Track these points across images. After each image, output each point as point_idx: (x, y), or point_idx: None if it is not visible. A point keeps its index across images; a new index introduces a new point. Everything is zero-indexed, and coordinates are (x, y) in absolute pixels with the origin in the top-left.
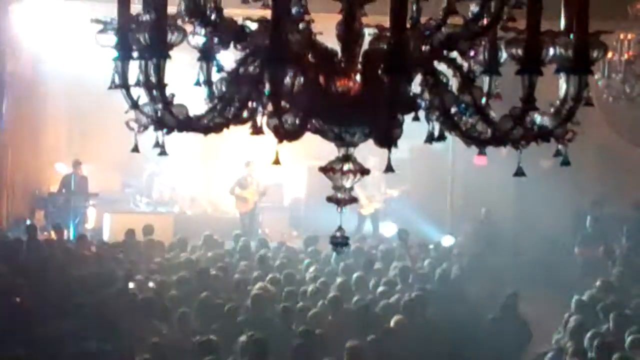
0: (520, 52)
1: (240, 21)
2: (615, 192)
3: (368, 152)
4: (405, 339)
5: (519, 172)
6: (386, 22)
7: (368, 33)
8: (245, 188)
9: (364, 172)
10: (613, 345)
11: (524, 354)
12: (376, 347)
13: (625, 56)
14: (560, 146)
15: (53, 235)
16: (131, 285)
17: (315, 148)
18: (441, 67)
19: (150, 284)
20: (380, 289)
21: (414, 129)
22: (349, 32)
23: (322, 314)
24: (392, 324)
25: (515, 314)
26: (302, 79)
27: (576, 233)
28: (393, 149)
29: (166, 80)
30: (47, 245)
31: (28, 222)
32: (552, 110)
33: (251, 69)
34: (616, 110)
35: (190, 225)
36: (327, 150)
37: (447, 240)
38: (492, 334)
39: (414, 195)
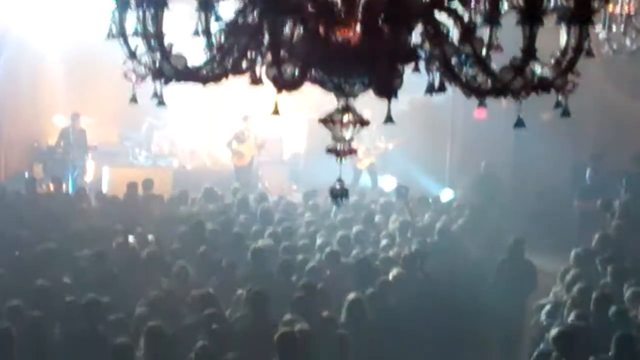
0: (521, 2)
1: None
2: (614, 145)
3: (363, 105)
4: (404, 292)
5: (519, 124)
6: None
7: None
8: (242, 142)
9: (364, 123)
10: (611, 298)
11: (531, 297)
12: (375, 300)
13: (626, 9)
14: (560, 97)
15: (52, 188)
16: (130, 239)
17: (314, 101)
18: (442, 17)
19: (150, 238)
20: (380, 242)
21: (414, 82)
22: None
23: (320, 267)
24: (390, 277)
25: (522, 258)
26: (301, 29)
27: (575, 186)
28: (393, 102)
29: (164, 30)
30: (46, 198)
31: (27, 175)
32: (552, 61)
33: (250, 19)
34: (616, 64)
35: (189, 178)
36: (327, 104)
37: (447, 194)
38: (500, 277)
39: (413, 148)
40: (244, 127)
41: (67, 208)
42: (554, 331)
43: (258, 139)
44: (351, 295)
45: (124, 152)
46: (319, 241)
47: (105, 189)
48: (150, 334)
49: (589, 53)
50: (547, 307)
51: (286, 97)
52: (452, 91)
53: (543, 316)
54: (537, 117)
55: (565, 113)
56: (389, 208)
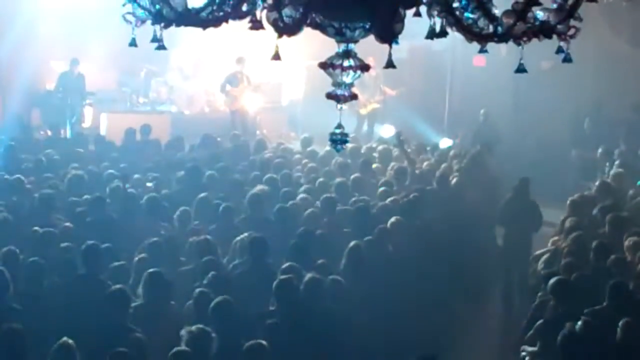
0: None
1: None
2: (613, 94)
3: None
4: (403, 239)
5: (521, 69)
6: None
7: None
8: (235, 85)
9: (365, 67)
10: (610, 248)
11: (535, 236)
12: (373, 247)
13: None
14: (562, 43)
15: (50, 133)
16: (128, 184)
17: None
18: None
19: (148, 184)
20: (378, 189)
21: (414, 28)
22: None
23: (318, 214)
24: (388, 225)
25: (528, 197)
26: None
27: (574, 135)
28: (393, 48)
29: None
30: (43, 143)
31: (23, 120)
32: (554, 6)
33: None
34: (617, 12)
35: (187, 125)
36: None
37: (445, 143)
38: (506, 215)
39: (412, 96)
40: (238, 69)
41: (65, 153)
42: (551, 280)
43: (251, 82)
44: (350, 243)
45: (122, 98)
46: (317, 188)
47: (103, 134)
48: (150, 280)
49: None
50: (546, 256)
51: (285, 43)
52: (452, 38)
53: (541, 265)
54: (537, 66)
55: (567, 59)
56: (387, 156)
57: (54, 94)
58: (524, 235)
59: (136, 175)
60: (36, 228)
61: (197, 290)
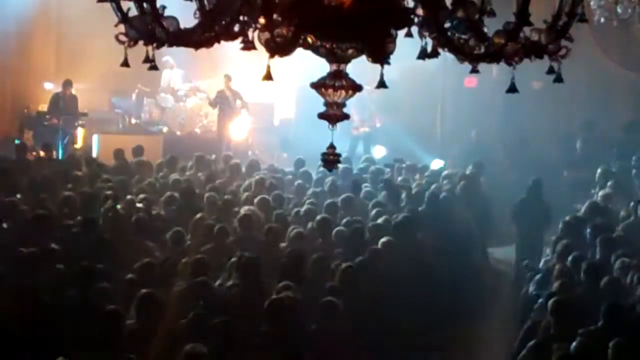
0: None
1: None
2: (604, 114)
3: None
4: (395, 260)
5: (512, 89)
6: None
7: None
8: (225, 104)
9: (356, 88)
10: (601, 269)
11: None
12: (366, 268)
13: None
14: (553, 63)
15: (42, 154)
16: (120, 205)
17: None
18: None
19: (139, 205)
20: (370, 210)
21: (405, 51)
22: None
23: (311, 235)
24: (380, 245)
25: (540, 198)
26: None
27: (566, 155)
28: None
29: None
30: (36, 164)
31: (17, 141)
32: (545, 26)
33: None
34: (607, 33)
35: (179, 145)
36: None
37: (437, 164)
38: (519, 215)
39: (404, 117)
40: (224, 86)
41: (57, 174)
42: (550, 300)
43: (243, 100)
44: (343, 264)
45: (114, 119)
46: (307, 208)
47: (95, 155)
48: (142, 301)
49: (583, 19)
50: (537, 277)
51: (277, 64)
52: (443, 58)
53: (532, 286)
54: (528, 86)
55: (558, 79)
56: (378, 176)
57: (46, 115)
58: (536, 234)
59: (128, 196)
60: (29, 249)
61: (191, 313)
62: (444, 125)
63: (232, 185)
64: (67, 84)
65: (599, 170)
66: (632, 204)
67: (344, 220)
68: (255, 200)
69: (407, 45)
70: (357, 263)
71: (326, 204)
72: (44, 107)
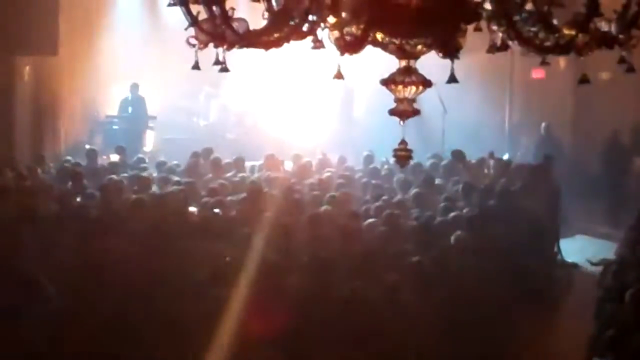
0: None
1: None
2: None
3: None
4: (466, 255)
5: (584, 79)
6: None
7: None
8: None
9: (426, 84)
10: None
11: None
12: (437, 264)
13: None
14: (624, 53)
15: (111, 159)
16: (191, 207)
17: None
18: None
19: (214, 209)
20: (441, 205)
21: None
22: None
23: (381, 231)
24: (452, 240)
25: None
26: None
27: (637, 145)
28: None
29: None
30: (107, 168)
31: (87, 146)
32: (615, 16)
33: None
34: None
35: (247, 146)
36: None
37: (506, 157)
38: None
39: (472, 111)
40: None
41: (128, 177)
42: (628, 292)
43: None
44: (415, 258)
45: (183, 121)
46: (378, 204)
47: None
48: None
49: None
50: (614, 267)
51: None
52: (510, 51)
53: (609, 276)
54: (596, 76)
55: (630, 69)
56: (449, 170)
57: (115, 119)
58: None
59: (203, 199)
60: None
61: None
62: (512, 117)
63: (303, 183)
64: (135, 86)
65: None
66: None
67: (414, 215)
68: (325, 198)
69: (475, 37)
70: (429, 258)
71: (396, 200)
72: (113, 111)
